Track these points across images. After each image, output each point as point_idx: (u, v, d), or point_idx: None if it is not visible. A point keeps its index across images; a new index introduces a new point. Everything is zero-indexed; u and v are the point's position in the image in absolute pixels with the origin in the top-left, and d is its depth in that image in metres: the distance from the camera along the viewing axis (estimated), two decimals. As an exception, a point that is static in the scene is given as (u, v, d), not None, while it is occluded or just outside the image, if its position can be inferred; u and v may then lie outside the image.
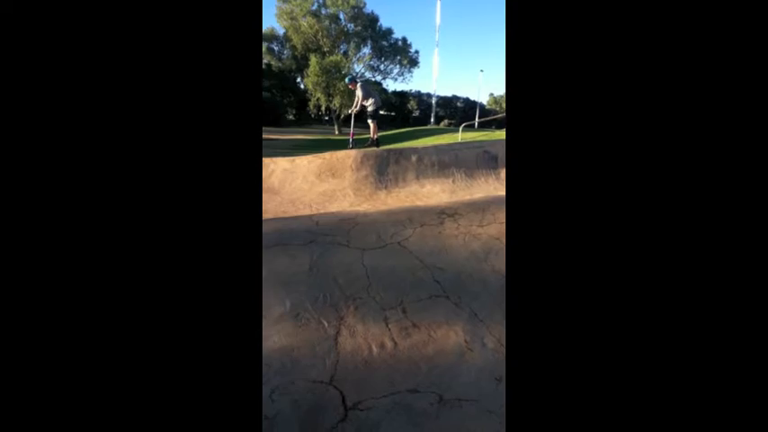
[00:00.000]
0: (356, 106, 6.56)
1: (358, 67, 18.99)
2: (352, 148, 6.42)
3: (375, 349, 1.70)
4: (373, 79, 20.18)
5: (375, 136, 6.68)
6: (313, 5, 17.27)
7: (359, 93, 6.47)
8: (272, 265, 2.26)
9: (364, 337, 1.76)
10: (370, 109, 6.52)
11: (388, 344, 1.73)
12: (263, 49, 19.35)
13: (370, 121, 6.62)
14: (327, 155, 5.59)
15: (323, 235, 2.67)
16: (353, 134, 6.85)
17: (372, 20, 18.41)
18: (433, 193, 4.60)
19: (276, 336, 1.75)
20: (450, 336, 1.79)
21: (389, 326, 1.84)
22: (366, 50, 18.87)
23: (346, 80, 7.51)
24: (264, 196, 4.67)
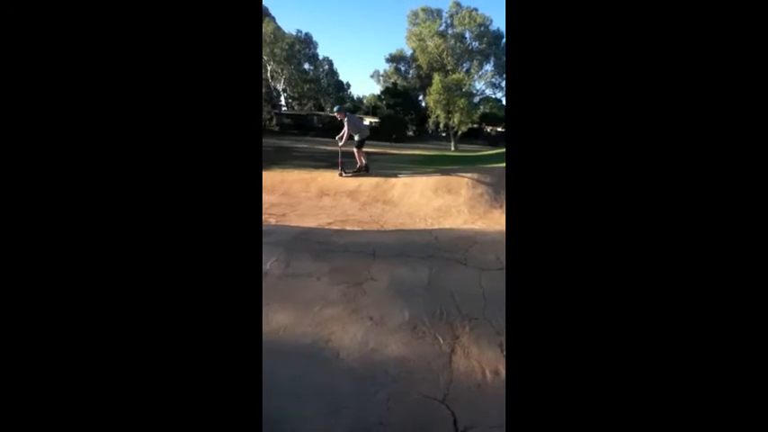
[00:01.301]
0: (345, 137, 6.57)
1: (479, 85, 18.73)
2: (342, 174, 6.44)
3: (489, 375, 1.65)
4: (494, 96, 19.70)
5: (363, 162, 6.71)
6: (440, 26, 17.68)
7: (346, 124, 6.52)
8: (394, 274, 2.36)
9: (478, 361, 1.73)
10: (356, 139, 6.58)
11: (502, 371, 1.67)
12: (391, 69, 20.44)
13: (355, 149, 6.66)
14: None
15: (441, 251, 2.70)
16: (342, 162, 6.73)
17: (497, 36, 18.01)
18: (555, 216, 4.28)
19: (394, 344, 1.81)
20: (574, 375, 1.65)
21: (504, 352, 1.77)
22: (488, 68, 18.52)
23: (335, 109, 7.42)
24: (385, 207, 4.93)
